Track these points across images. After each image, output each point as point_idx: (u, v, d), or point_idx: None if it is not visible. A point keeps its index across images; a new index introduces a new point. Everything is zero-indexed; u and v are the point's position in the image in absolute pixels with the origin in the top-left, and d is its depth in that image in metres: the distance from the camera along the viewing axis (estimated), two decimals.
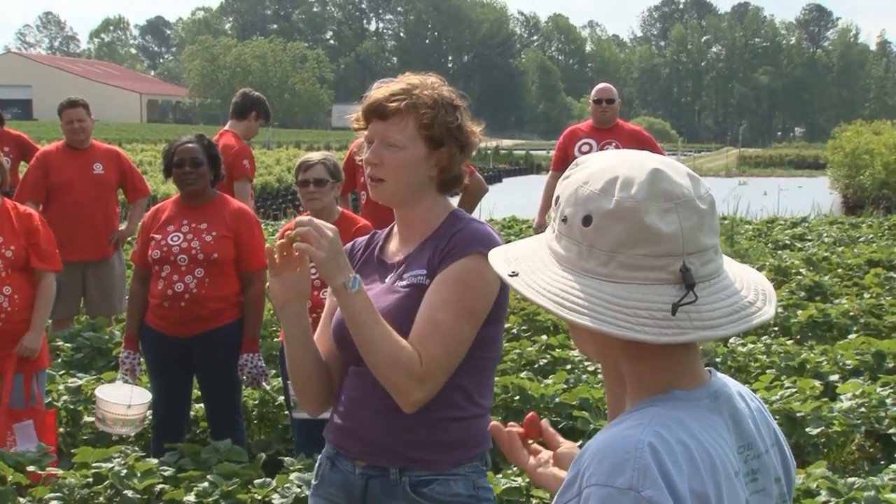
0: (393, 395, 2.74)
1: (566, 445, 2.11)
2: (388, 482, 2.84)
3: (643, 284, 1.59)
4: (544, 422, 2.16)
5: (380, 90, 2.85)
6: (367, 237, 3.09)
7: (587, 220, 1.62)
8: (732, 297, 1.63)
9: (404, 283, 2.83)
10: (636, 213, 1.59)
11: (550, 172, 9.52)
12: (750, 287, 1.67)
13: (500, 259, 1.76)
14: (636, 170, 1.62)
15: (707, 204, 1.63)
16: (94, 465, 5.13)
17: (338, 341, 2.89)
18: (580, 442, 2.59)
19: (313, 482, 3.02)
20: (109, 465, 5.07)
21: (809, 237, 17.08)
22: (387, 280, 2.90)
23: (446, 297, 2.74)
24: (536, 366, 7.76)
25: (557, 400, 6.40)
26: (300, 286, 2.74)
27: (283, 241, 2.70)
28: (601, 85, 9.55)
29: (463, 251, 2.77)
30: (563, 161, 9.29)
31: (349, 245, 3.06)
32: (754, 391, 2.18)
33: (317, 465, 3.03)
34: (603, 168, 1.65)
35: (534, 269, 1.68)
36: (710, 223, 1.63)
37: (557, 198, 1.69)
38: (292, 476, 4.92)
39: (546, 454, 2.10)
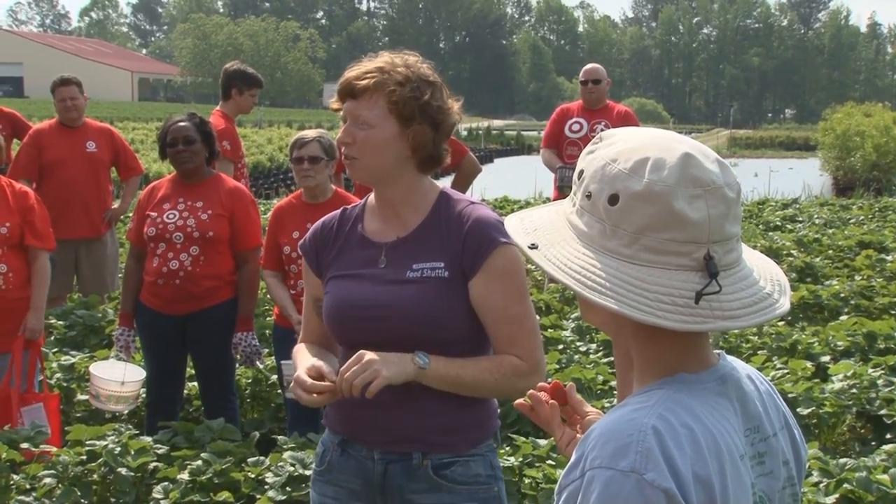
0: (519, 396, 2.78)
1: (594, 413, 2.10)
2: (409, 466, 2.83)
3: (666, 269, 1.57)
4: (570, 386, 2.15)
5: (353, 69, 2.81)
6: (335, 214, 3.01)
7: (613, 200, 1.59)
8: (752, 287, 1.61)
9: (417, 274, 2.79)
10: (665, 197, 1.56)
11: (542, 148, 9.54)
12: (767, 278, 1.66)
13: (518, 229, 1.73)
14: (667, 152, 1.59)
15: (735, 192, 1.61)
16: (87, 442, 5.12)
17: (329, 325, 2.91)
18: None
19: (316, 468, 2.99)
20: (103, 443, 5.06)
21: (800, 219, 17.04)
22: (381, 263, 2.84)
23: (507, 293, 2.78)
24: None
25: (549, 380, 6.39)
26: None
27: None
28: (588, 66, 9.55)
29: (490, 247, 2.76)
30: (554, 137, 9.32)
31: (318, 224, 3.01)
32: None
33: (320, 452, 2.98)
34: (632, 147, 1.62)
35: (553, 242, 1.66)
36: (736, 212, 1.61)
37: (581, 172, 1.66)
38: (285, 454, 4.92)
39: (576, 425, 2.10)
